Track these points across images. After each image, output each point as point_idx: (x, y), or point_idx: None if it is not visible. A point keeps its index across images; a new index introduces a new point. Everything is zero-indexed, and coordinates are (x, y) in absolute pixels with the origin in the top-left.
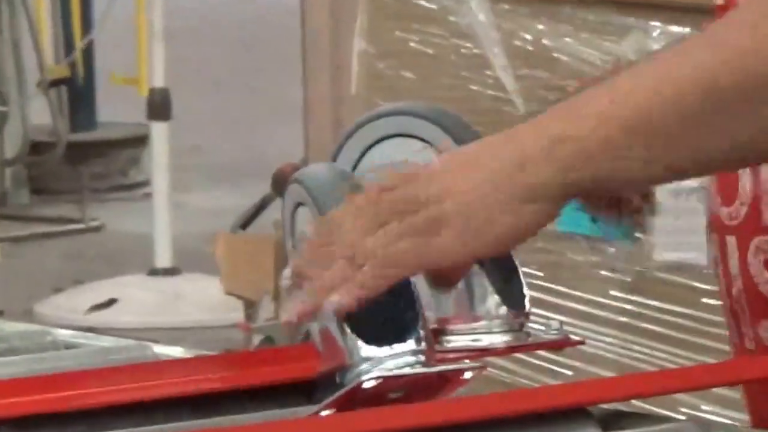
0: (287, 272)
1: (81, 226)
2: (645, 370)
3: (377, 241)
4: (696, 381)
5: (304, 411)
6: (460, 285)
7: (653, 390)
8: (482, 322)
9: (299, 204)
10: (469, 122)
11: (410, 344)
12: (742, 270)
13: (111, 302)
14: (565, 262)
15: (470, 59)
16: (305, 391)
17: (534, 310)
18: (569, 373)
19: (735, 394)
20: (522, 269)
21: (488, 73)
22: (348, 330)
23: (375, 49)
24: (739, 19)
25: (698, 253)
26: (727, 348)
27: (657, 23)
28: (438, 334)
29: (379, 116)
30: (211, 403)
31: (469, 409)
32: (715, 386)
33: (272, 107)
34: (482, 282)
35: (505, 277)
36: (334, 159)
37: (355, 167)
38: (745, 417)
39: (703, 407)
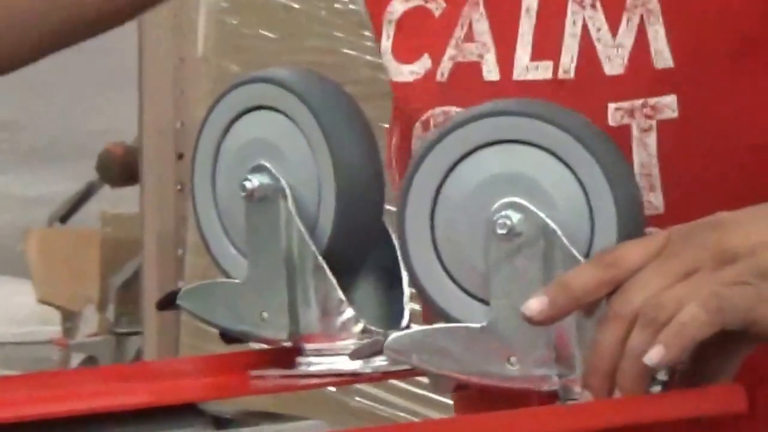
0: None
1: None
2: None
3: (698, 288)
4: None
5: None
6: (332, 295)
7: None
8: (351, 340)
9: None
10: (344, 94)
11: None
12: None
13: None
14: None
15: (345, 16)
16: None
17: (416, 326)
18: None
19: None
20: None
21: (366, 33)
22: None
23: (227, 1)
24: None
25: None
26: None
27: None
28: (295, 354)
29: (237, 85)
30: None
31: None
32: None
33: (101, 73)
34: (365, 291)
35: (386, 286)
36: (200, 133)
37: (219, 143)
38: None
39: None
